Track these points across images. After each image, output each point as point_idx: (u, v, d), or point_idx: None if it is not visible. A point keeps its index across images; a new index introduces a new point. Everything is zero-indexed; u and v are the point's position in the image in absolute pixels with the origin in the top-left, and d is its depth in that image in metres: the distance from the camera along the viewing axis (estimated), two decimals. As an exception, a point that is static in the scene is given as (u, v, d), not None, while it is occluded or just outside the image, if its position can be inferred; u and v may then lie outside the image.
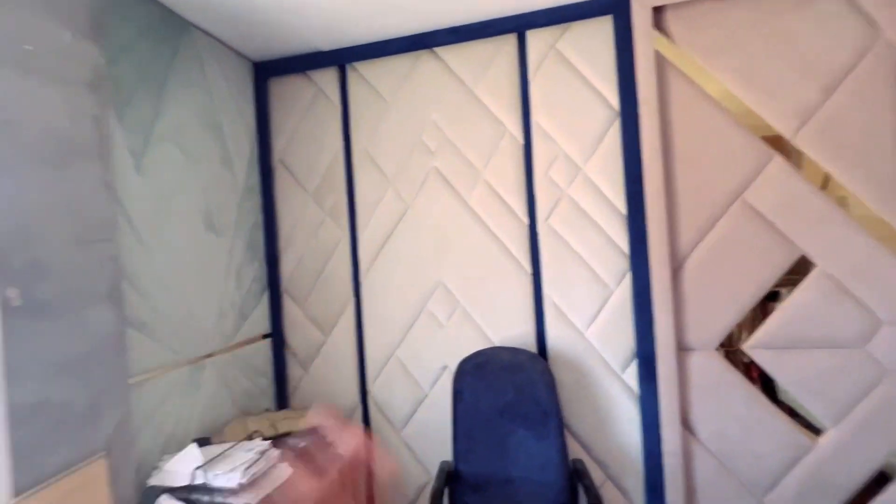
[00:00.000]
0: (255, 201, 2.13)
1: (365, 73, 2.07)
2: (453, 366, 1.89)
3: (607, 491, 1.79)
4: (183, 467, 1.36)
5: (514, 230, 1.90)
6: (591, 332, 1.82)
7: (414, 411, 2.01)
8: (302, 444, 1.68)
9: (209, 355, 1.77)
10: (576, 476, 1.59)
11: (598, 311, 1.81)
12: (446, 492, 1.56)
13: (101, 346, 1.30)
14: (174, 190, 1.66)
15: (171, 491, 1.36)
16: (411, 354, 2.02)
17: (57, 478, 1.16)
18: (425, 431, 2.00)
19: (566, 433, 1.79)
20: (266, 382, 2.11)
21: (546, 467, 1.61)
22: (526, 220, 1.89)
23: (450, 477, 1.63)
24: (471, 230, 1.95)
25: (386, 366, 2.05)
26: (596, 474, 1.79)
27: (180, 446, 1.56)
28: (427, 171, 1.99)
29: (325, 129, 2.12)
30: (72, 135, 1.26)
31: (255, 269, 2.09)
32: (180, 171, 1.69)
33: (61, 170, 1.23)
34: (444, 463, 1.68)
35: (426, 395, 2.00)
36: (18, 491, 1.08)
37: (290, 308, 2.18)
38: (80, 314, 1.25)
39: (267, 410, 2.01)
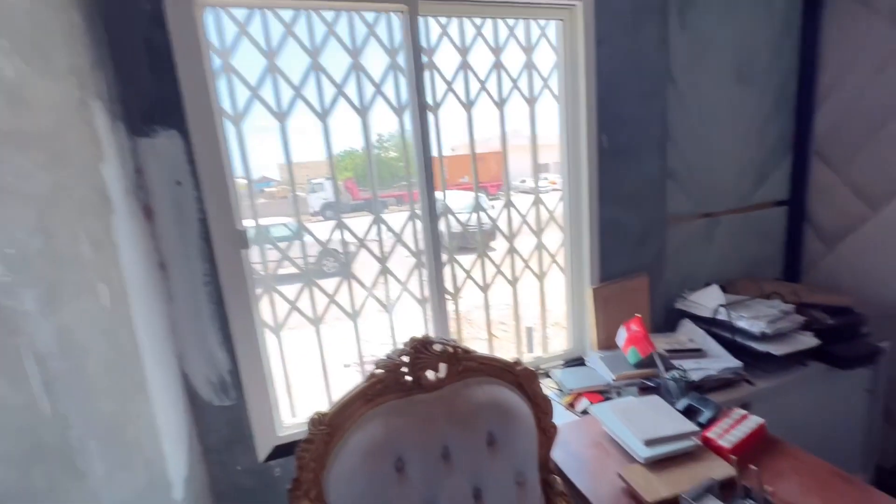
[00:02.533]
0: (794, 40, 1.78)
1: None
2: None
3: None
4: (706, 302, 1.54)
5: None
6: None
7: None
8: (830, 321, 1.49)
9: (723, 213, 1.80)
10: None
11: None
12: None
13: (650, 186, 1.58)
14: (710, 42, 1.63)
15: (694, 318, 1.58)
16: None
17: (618, 280, 1.59)
18: None
19: None
20: (774, 251, 1.95)
21: None
22: None
23: None
24: None
25: None
26: None
27: (693, 287, 1.74)
28: None
29: None
30: (644, -3, 1.43)
31: (782, 125, 1.83)
32: (716, 20, 1.62)
33: (633, 34, 1.45)
34: None
35: None
36: (595, 281, 1.56)
37: (820, 173, 1.82)
38: (639, 159, 1.54)
39: (776, 280, 1.89)
